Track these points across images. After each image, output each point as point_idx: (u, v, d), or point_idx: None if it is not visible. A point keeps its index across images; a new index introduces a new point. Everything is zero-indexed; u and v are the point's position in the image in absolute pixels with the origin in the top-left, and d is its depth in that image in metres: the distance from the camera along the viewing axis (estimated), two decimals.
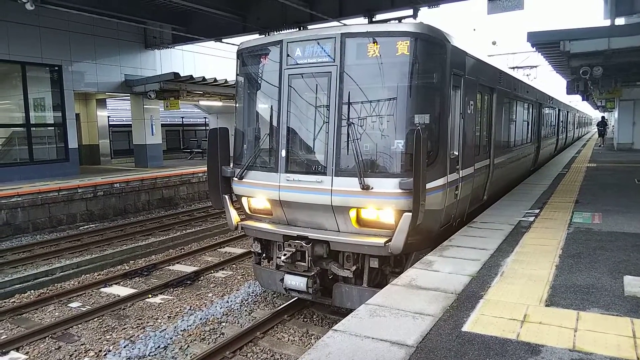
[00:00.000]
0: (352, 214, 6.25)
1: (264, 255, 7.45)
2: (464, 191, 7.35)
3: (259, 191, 6.92)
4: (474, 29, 63.32)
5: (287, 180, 6.53)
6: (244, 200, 7.34)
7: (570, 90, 18.59)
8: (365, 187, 5.93)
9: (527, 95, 13.30)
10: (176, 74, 18.88)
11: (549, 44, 10.56)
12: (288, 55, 6.58)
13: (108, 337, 6.95)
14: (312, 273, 6.45)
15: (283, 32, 6.67)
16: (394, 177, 5.94)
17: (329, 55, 6.27)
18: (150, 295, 8.47)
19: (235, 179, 7.14)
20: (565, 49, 9.80)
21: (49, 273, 9.68)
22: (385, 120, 6.19)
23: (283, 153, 6.57)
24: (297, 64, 6.51)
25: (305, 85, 6.53)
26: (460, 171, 7.09)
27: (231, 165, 7.34)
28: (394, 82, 6.15)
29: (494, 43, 28.98)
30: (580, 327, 3.91)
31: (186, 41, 19.66)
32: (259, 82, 7.19)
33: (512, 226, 7.44)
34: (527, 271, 5.32)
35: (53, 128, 17.82)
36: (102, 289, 9.00)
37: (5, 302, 8.40)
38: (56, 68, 17.47)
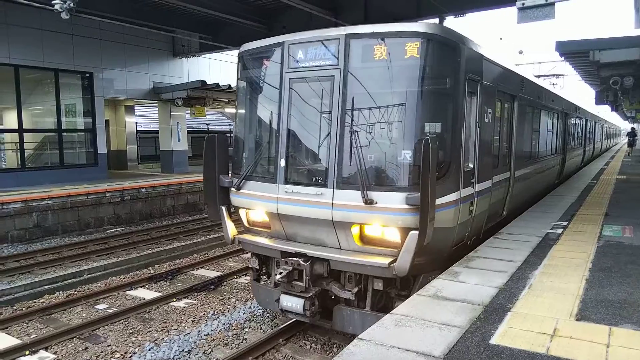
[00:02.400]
0: (355, 230, 5.77)
1: (263, 271, 6.99)
2: (480, 207, 6.76)
3: (256, 203, 6.46)
4: (501, 38, 62.72)
5: (286, 192, 6.06)
6: (241, 212, 6.92)
7: (599, 101, 18.18)
8: (369, 202, 5.43)
9: (552, 104, 12.80)
10: (203, 82, 19.23)
11: (578, 53, 10.40)
12: (290, 58, 6.16)
13: (133, 339, 7.06)
14: (310, 294, 5.95)
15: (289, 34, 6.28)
16: (401, 191, 5.42)
17: (332, 58, 5.83)
18: (174, 299, 8.58)
19: (233, 189, 6.70)
20: (594, 59, 9.63)
21: (77, 275, 9.90)
22: (393, 128, 5.68)
23: (282, 162, 6.12)
24: (299, 67, 6.08)
25: (308, 89, 6.07)
26: (476, 185, 6.52)
27: (230, 174, 6.97)
28: (403, 87, 5.64)
29: (520, 52, 28.65)
30: (612, 342, 3.81)
31: (213, 50, 20.03)
32: (260, 86, 6.78)
33: (539, 238, 7.31)
34: (556, 284, 5.21)
35: (83, 133, 18.31)
36: (127, 292, 9.16)
37: (35, 302, 8.62)
38: (87, 75, 17.99)
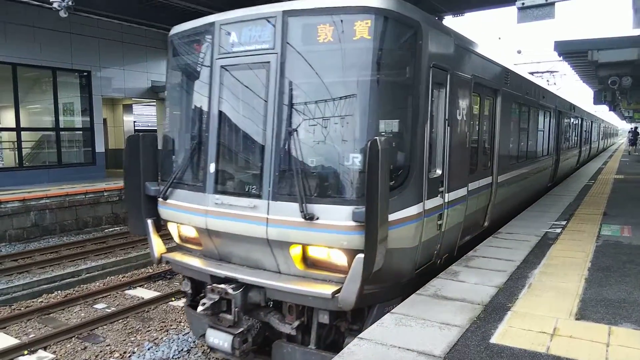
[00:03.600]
0: (295, 251, 4.76)
1: (197, 296, 5.84)
2: (452, 219, 5.89)
3: (183, 216, 5.44)
4: (499, 38, 62.89)
5: (216, 203, 5.06)
6: (171, 226, 5.85)
7: (597, 101, 18.29)
8: (309, 217, 4.44)
9: (544, 101, 11.91)
10: None
11: (576, 53, 10.44)
12: (221, 41, 5.16)
13: (132, 338, 7.05)
14: (241, 329, 4.97)
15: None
16: (348, 204, 4.42)
17: (268, 40, 4.81)
18: (173, 299, 8.57)
19: (160, 199, 5.64)
20: (593, 59, 9.67)
21: (75, 274, 9.88)
22: (339, 127, 4.66)
23: (212, 168, 5.11)
24: (232, 52, 5.07)
25: (241, 79, 5.10)
26: (446, 195, 5.62)
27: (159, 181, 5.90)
28: (351, 76, 4.65)
29: (519, 52, 28.71)
30: (612, 342, 3.82)
31: None
32: (189, 76, 5.78)
33: (538, 238, 7.33)
34: (556, 283, 5.23)
35: (81, 132, 18.27)
36: (126, 291, 9.14)
37: (33, 302, 8.59)
38: (85, 74, 17.95)
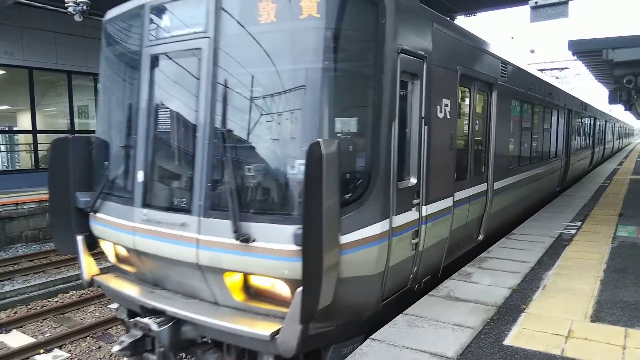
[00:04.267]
0: (233, 279, 3.94)
1: None
2: (433, 236, 5.07)
3: (113, 233, 4.64)
4: (512, 37, 62.42)
5: (144, 219, 4.24)
6: (103, 243, 5.07)
7: (612, 100, 18.00)
8: (243, 239, 3.62)
9: (551, 98, 10.97)
10: None
11: (591, 52, 10.29)
12: (151, 26, 4.39)
13: None
14: None
15: None
16: (290, 222, 3.58)
17: (200, 23, 4.04)
18: None
19: (91, 212, 4.84)
20: (608, 58, 9.53)
21: None
22: (283, 127, 3.91)
23: (139, 176, 4.30)
24: (163, 38, 4.30)
25: (172, 71, 4.33)
26: (424, 207, 4.78)
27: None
28: (298, 64, 3.86)
29: (532, 51, 28.45)
30: (629, 344, 3.77)
31: None
32: (119, 68, 4.99)
33: (553, 239, 7.25)
34: (570, 285, 5.17)
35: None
36: None
37: (49, 301, 8.72)
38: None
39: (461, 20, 15.38)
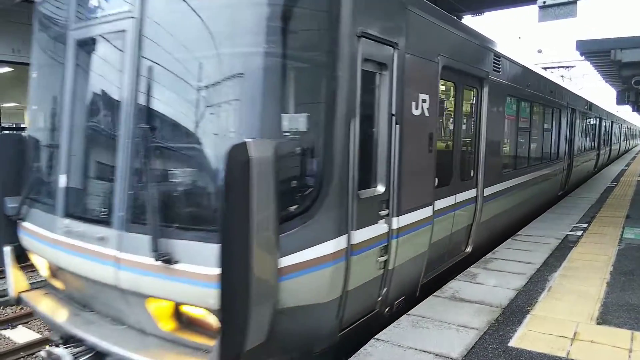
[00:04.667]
0: (159, 305, 3.40)
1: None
2: (407, 251, 4.48)
3: (38, 245, 4.12)
4: (519, 37, 62.11)
5: (65, 230, 3.71)
6: (33, 256, 4.45)
7: (620, 101, 17.90)
8: (165, 259, 3.07)
9: (552, 96, 10.31)
10: None
11: (598, 52, 10.23)
12: (78, 8, 3.86)
13: None
14: None
15: None
16: (216, 241, 2.90)
17: (125, 2, 3.49)
18: None
19: (18, 220, 4.31)
20: (616, 58, 9.47)
21: None
22: (217, 124, 3.35)
23: (62, 180, 3.78)
24: (89, 19, 3.75)
25: (97, 57, 3.78)
26: (394, 219, 4.20)
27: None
28: (235, 48, 3.28)
29: (539, 51, 28.30)
30: (635, 347, 3.74)
31: None
32: (46, 55, 4.41)
33: (558, 240, 7.22)
34: (576, 287, 5.14)
35: None
36: None
37: None
38: None
39: (468, 20, 15.31)
